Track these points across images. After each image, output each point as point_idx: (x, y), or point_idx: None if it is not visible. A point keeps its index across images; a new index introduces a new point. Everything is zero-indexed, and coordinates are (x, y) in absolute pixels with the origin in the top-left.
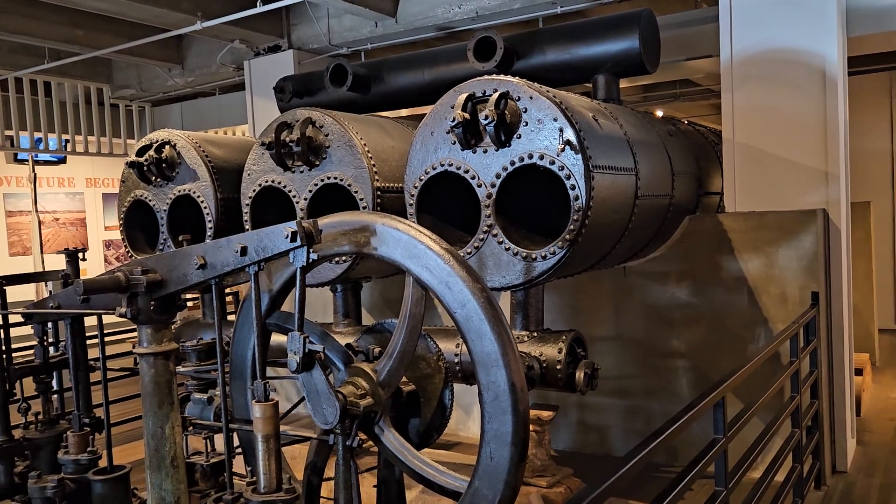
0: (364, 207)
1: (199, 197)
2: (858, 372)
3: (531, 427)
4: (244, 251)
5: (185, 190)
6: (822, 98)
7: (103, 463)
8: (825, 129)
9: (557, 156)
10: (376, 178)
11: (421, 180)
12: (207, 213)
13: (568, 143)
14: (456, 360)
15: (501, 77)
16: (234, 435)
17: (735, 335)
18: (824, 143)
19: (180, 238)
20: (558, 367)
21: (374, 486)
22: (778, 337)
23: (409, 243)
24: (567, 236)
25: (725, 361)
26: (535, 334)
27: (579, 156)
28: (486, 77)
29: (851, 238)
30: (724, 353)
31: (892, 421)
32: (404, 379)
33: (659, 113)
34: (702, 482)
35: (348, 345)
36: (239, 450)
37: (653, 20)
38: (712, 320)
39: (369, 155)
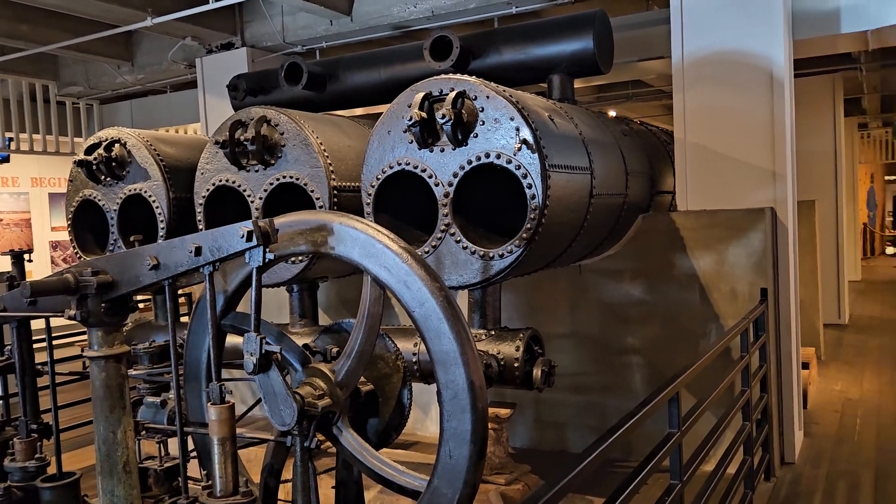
0: (321, 207)
1: (150, 196)
2: (805, 366)
3: (489, 425)
4: (198, 251)
5: (136, 189)
6: (769, 99)
7: (52, 470)
8: (772, 129)
9: (514, 155)
10: (333, 177)
11: (378, 179)
12: (160, 213)
13: (524, 142)
14: (414, 360)
15: (458, 76)
16: (189, 438)
17: (688, 331)
18: (772, 144)
19: (132, 238)
20: (516, 364)
21: (333, 488)
22: (729, 333)
23: (366, 242)
24: (524, 235)
25: (679, 357)
26: (493, 333)
27: (535, 155)
28: (442, 76)
29: (798, 236)
30: (677, 349)
31: (837, 413)
32: (362, 379)
33: (612, 113)
34: (657, 476)
35: (305, 345)
36: (194, 454)
37: (606, 21)
38: (665, 317)
39: (325, 154)
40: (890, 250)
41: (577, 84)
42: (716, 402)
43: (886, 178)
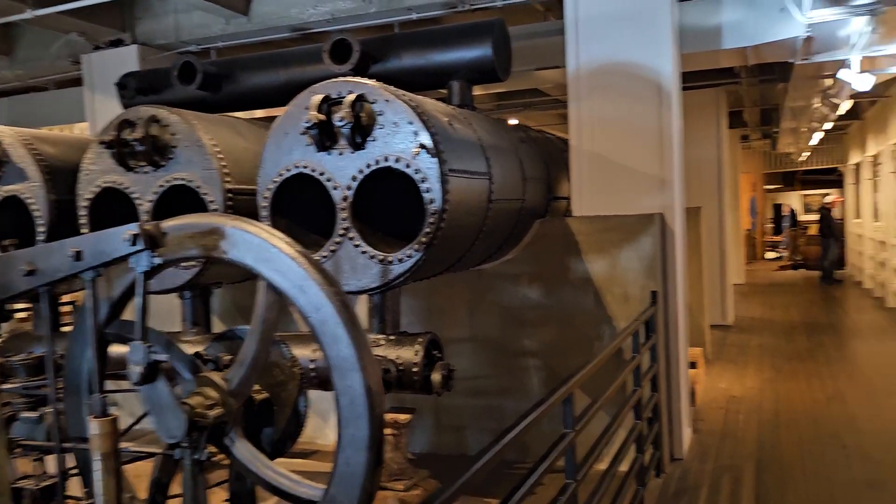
0: (215, 210)
1: (28, 198)
2: (693, 365)
3: (388, 431)
4: (79, 256)
5: (11, 191)
6: (658, 110)
7: None
8: (661, 139)
9: (413, 159)
10: (228, 179)
11: (275, 182)
12: (38, 217)
13: (423, 146)
14: (312, 366)
15: (357, 79)
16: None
17: (582, 334)
18: (661, 153)
19: (6, 242)
20: (415, 369)
21: (226, 501)
22: (621, 334)
23: (260, 246)
24: (423, 239)
25: (574, 359)
26: (392, 337)
27: (434, 159)
28: (341, 79)
29: (687, 240)
30: (572, 351)
31: (722, 409)
32: (257, 387)
33: (513, 121)
34: (553, 476)
35: (197, 353)
36: (75, 471)
37: (504, 30)
38: (561, 320)
39: (220, 155)
40: (769, 255)
41: (478, 91)
42: (609, 402)
43: (766, 187)
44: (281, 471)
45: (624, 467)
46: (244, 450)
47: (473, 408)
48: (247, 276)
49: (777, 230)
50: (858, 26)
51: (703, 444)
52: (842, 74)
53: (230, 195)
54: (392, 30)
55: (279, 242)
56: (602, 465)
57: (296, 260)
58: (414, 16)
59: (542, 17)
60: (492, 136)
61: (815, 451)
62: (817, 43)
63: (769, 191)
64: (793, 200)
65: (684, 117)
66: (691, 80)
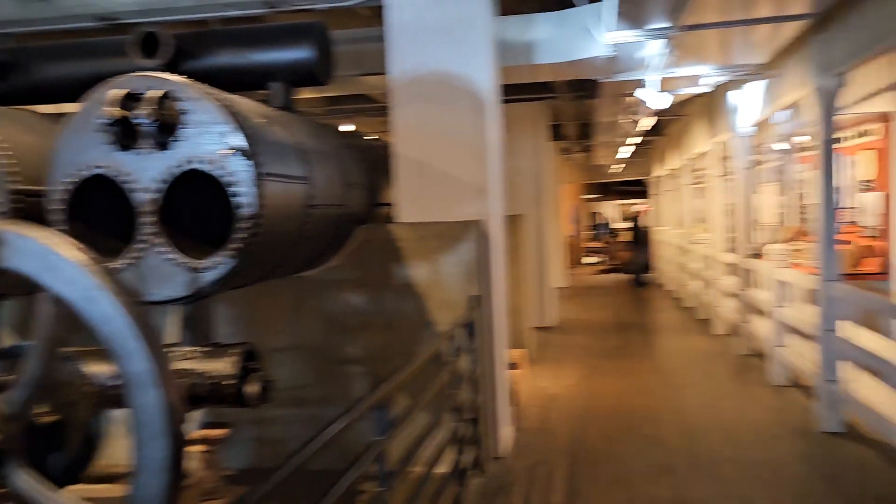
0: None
1: None
2: (515, 366)
3: (201, 448)
4: None
5: None
6: (477, 120)
7: None
8: (481, 148)
9: (223, 161)
10: (14, 179)
11: (70, 183)
12: None
13: (234, 148)
14: (109, 384)
15: (162, 75)
16: None
17: (406, 339)
18: (480, 161)
19: None
20: (229, 382)
21: None
22: (435, 339)
23: (45, 253)
24: (234, 246)
25: (398, 364)
26: (205, 349)
27: (247, 162)
28: (145, 73)
29: (507, 246)
30: (397, 356)
31: (540, 407)
32: (44, 409)
33: (348, 127)
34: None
35: None
36: None
37: (327, 33)
38: (385, 326)
39: (7, 152)
40: (586, 260)
41: (309, 95)
42: (431, 405)
43: (585, 196)
44: (71, 498)
45: (449, 468)
46: (26, 479)
47: (296, 418)
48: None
49: (596, 237)
50: (655, 49)
51: (523, 441)
52: (639, 93)
53: (17, 197)
54: (208, 26)
55: (66, 249)
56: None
57: (85, 268)
58: (232, 13)
59: (367, 23)
60: (313, 140)
61: (620, 441)
62: (619, 63)
63: (589, 200)
64: (610, 209)
65: (508, 129)
66: (516, 92)
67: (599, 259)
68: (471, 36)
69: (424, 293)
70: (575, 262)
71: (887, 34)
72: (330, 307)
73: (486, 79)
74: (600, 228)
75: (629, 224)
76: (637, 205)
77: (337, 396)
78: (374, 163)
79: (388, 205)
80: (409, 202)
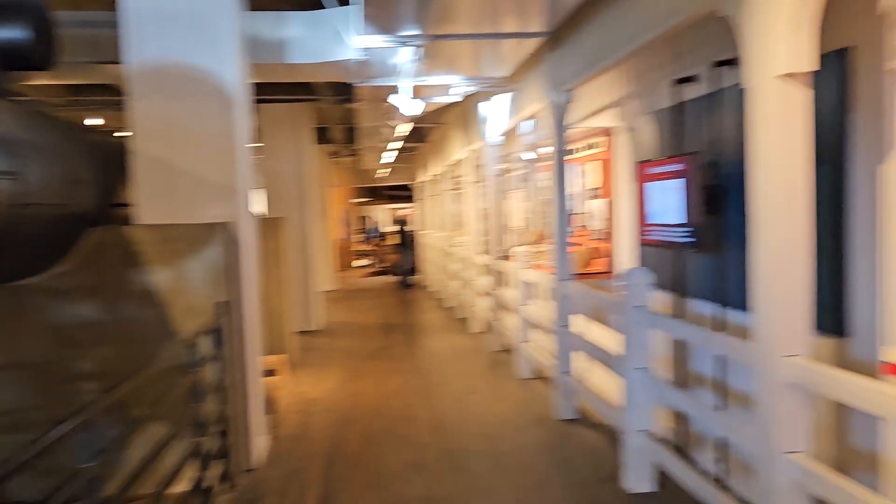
0: None
1: None
2: (273, 372)
3: None
4: None
5: None
6: (225, 116)
7: None
8: (228, 146)
9: None
10: None
11: None
12: None
13: None
14: None
15: None
16: None
17: (147, 350)
18: (228, 161)
19: None
20: None
21: None
22: (176, 347)
23: None
24: None
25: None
26: None
27: None
28: None
29: (267, 250)
30: (136, 369)
31: (300, 413)
32: None
33: (96, 121)
34: None
35: None
36: None
37: (47, 12)
38: (123, 336)
39: None
40: (356, 263)
41: (51, 81)
42: (167, 421)
43: (355, 200)
44: None
45: (194, 486)
46: None
47: (18, 445)
48: None
49: (366, 240)
50: (406, 56)
51: (279, 449)
52: (392, 99)
53: None
54: None
55: None
56: (173, 490)
57: None
58: None
59: (111, 6)
60: (27, 132)
61: (377, 442)
62: (372, 67)
63: (360, 204)
64: (380, 213)
65: (270, 130)
66: (276, 92)
67: (369, 262)
68: (213, 27)
69: (167, 300)
70: (346, 265)
71: (605, 54)
72: (57, 318)
73: (233, 73)
74: (370, 232)
75: (397, 228)
76: (404, 209)
77: (66, 417)
78: (109, 159)
79: (128, 205)
80: (151, 203)
